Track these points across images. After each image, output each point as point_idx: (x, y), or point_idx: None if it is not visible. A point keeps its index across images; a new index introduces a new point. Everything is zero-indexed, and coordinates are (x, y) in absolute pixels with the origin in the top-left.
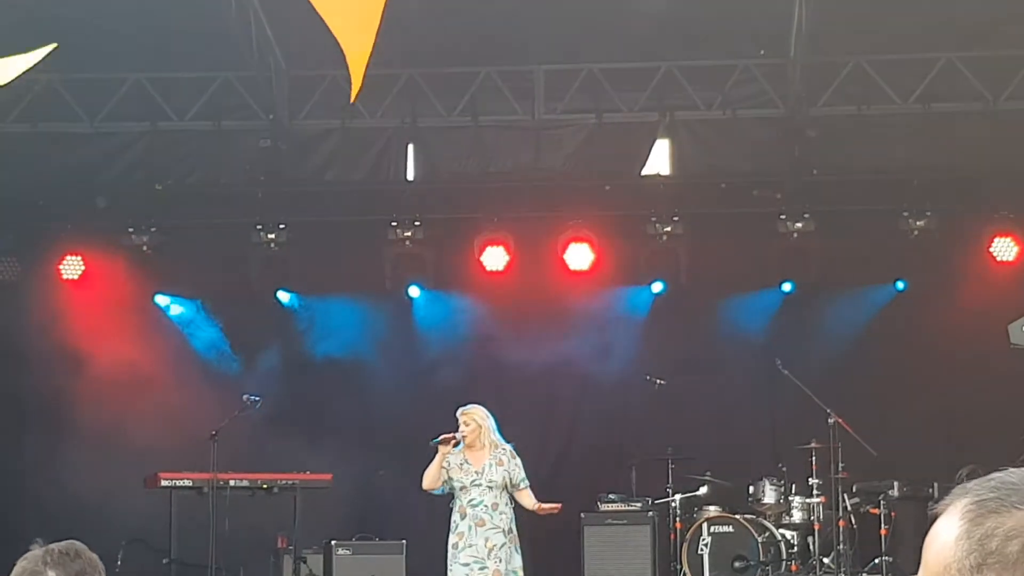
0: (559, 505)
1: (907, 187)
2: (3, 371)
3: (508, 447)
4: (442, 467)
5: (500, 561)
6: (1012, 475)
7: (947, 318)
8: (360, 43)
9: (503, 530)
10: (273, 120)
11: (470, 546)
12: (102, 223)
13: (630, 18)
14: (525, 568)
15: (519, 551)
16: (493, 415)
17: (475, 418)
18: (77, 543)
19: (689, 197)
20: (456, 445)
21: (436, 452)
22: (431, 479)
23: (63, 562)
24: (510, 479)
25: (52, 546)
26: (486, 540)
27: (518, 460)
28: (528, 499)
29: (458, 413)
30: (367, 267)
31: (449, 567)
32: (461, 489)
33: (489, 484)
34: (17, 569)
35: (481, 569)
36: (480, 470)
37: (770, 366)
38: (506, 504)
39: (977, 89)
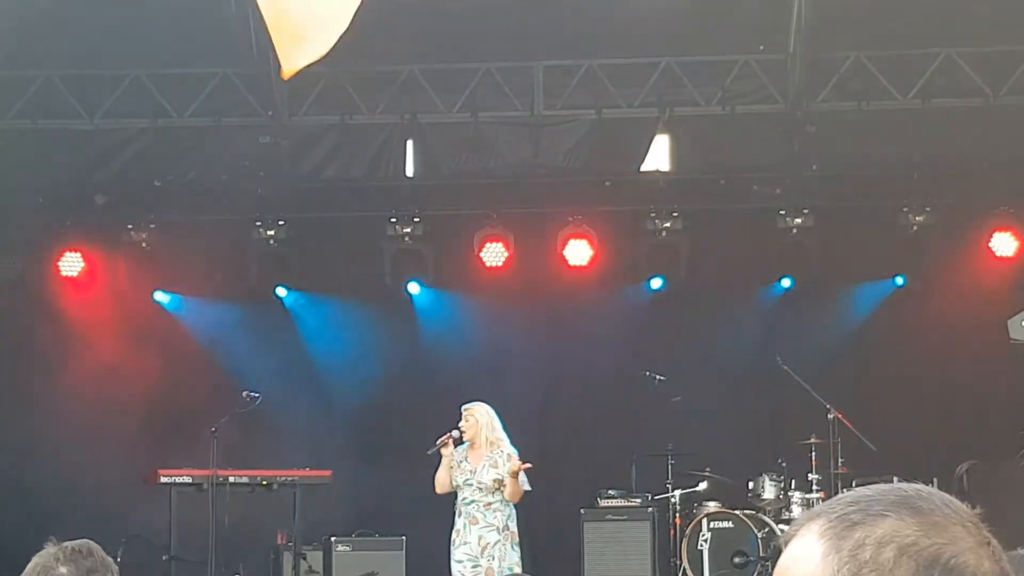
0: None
1: (906, 182)
2: (2, 368)
3: (509, 450)
4: (450, 467)
5: (493, 559)
6: (867, 490)
7: (946, 313)
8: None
9: (497, 528)
10: (272, 116)
11: (465, 543)
12: (101, 220)
13: (629, 14)
14: (524, 564)
15: (517, 548)
16: (498, 414)
17: (474, 414)
18: (90, 542)
19: (688, 193)
20: (458, 443)
21: (441, 457)
22: (441, 483)
23: (75, 559)
24: (503, 481)
25: (65, 544)
26: (479, 538)
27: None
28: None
29: (462, 409)
30: (367, 263)
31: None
32: (457, 487)
33: (480, 485)
34: (30, 566)
35: (474, 567)
36: (474, 470)
37: (769, 361)
38: (501, 502)
39: (976, 84)
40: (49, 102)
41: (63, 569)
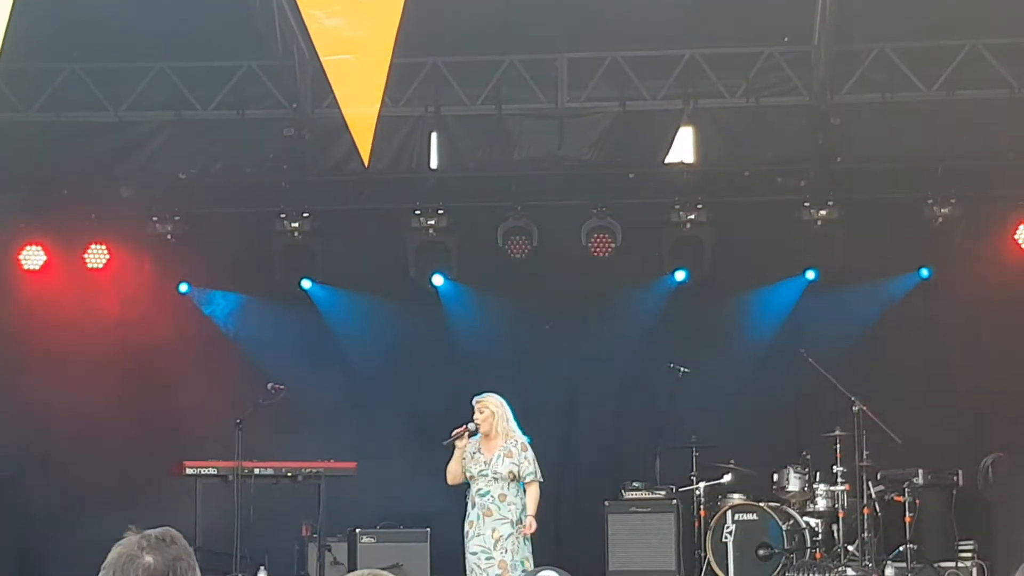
0: (529, 530)
1: (931, 174)
2: (29, 360)
3: (522, 439)
4: (462, 460)
5: (507, 552)
6: None
7: (971, 305)
8: (365, 113)
9: (511, 521)
10: (297, 109)
11: (479, 535)
12: (126, 212)
13: (653, 5)
14: (549, 556)
15: (528, 542)
16: (510, 405)
17: (489, 406)
18: (172, 530)
19: (713, 185)
20: (473, 435)
21: (454, 449)
22: (454, 475)
23: (160, 548)
24: (518, 472)
25: (148, 532)
26: (493, 530)
27: (529, 453)
28: (531, 497)
29: (473, 402)
30: (391, 256)
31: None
32: (471, 478)
33: (495, 476)
34: (113, 555)
35: (488, 559)
36: (488, 460)
37: (794, 354)
38: (515, 495)
39: (1001, 76)
40: (73, 95)
41: (148, 558)
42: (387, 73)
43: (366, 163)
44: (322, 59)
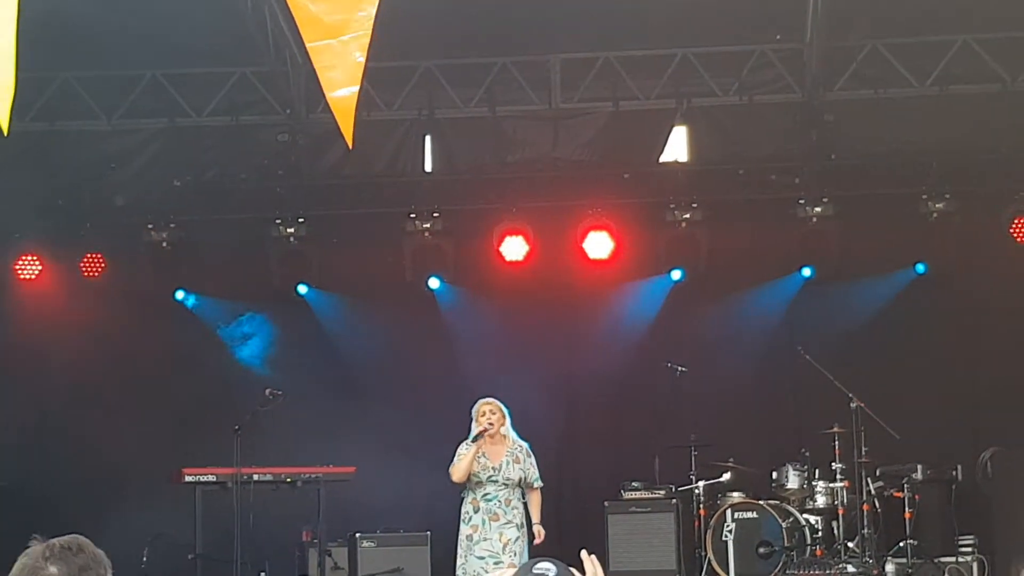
0: (540, 539)
1: (926, 170)
2: (25, 369)
3: (524, 445)
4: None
5: (515, 555)
6: None
7: (967, 300)
8: (346, 95)
9: (516, 524)
10: (290, 114)
11: (485, 539)
12: (121, 220)
13: (645, 5)
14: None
15: (528, 545)
16: (508, 410)
17: (500, 408)
18: (80, 537)
19: (707, 184)
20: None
21: (468, 449)
22: (463, 473)
23: (65, 557)
24: (525, 477)
25: (53, 541)
26: (500, 535)
27: (533, 459)
28: (535, 503)
29: (481, 403)
30: (387, 259)
31: (463, 557)
32: (477, 484)
33: (506, 481)
34: (17, 566)
35: (496, 564)
36: (497, 467)
37: (791, 351)
38: (519, 499)
39: (994, 70)
40: (67, 103)
41: (53, 568)
42: (367, 52)
43: (350, 145)
44: (307, 46)
